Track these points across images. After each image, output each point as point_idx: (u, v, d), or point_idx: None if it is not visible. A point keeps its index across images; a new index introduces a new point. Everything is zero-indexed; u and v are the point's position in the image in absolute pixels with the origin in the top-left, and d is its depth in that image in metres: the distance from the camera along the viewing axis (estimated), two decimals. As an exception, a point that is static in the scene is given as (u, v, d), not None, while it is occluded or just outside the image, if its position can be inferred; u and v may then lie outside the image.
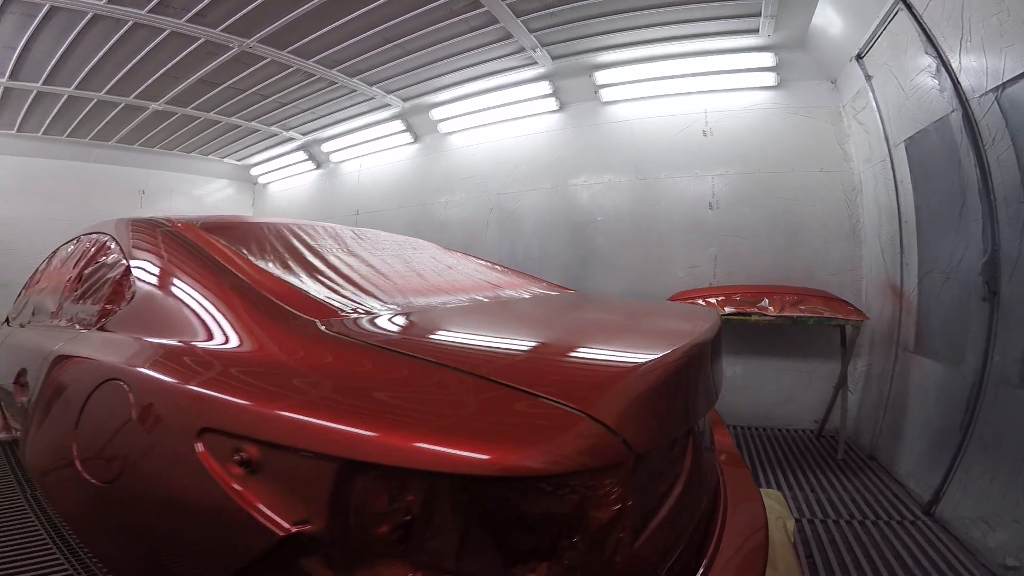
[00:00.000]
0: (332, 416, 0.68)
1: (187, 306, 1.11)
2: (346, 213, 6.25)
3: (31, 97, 4.41)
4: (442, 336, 1.05)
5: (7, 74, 3.89)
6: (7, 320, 2.69)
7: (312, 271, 1.33)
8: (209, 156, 6.61)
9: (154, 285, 1.25)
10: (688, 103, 4.22)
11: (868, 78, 3.18)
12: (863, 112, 3.41)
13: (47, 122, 5.05)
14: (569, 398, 0.65)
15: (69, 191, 5.94)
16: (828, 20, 3.35)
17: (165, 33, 3.46)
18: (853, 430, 3.47)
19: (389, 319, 1.08)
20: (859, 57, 3.21)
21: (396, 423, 0.65)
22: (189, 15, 3.25)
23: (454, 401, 0.69)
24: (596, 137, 4.66)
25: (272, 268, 1.26)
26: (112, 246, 1.56)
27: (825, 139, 3.78)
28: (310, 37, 3.67)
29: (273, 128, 5.69)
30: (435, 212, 5.57)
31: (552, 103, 4.77)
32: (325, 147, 6.19)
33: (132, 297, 1.27)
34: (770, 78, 3.90)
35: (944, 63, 2.34)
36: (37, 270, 2.64)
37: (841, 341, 3.34)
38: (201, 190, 7.07)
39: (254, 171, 7.19)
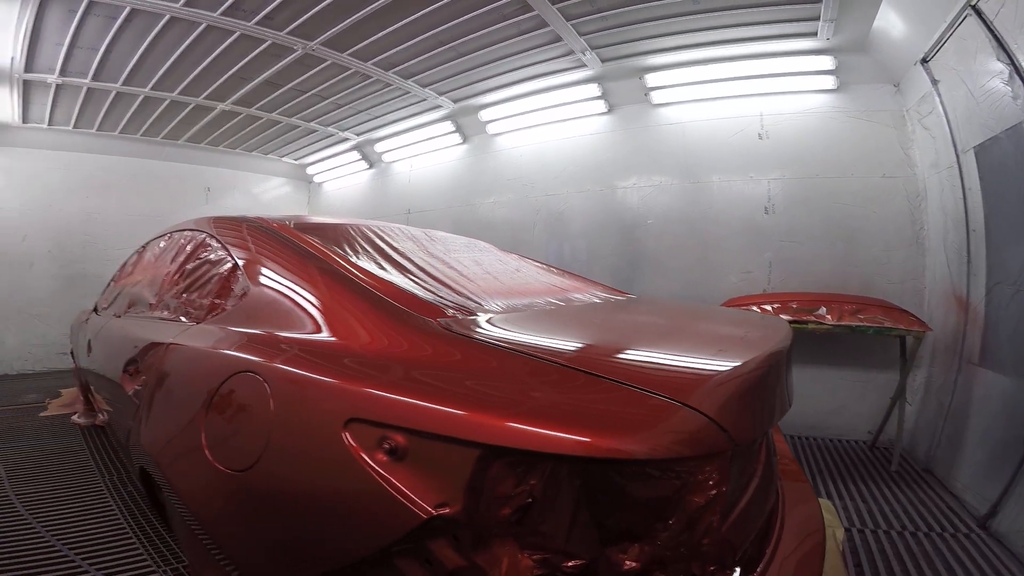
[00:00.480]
0: (474, 407, 0.74)
1: (304, 304, 1.17)
2: (397, 212, 6.44)
3: (111, 97, 4.74)
4: (548, 336, 1.09)
5: (90, 75, 4.20)
6: (95, 309, 2.91)
7: (405, 272, 1.38)
8: (269, 155, 6.93)
9: (267, 283, 1.31)
10: (742, 106, 4.14)
11: (934, 83, 3.06)
12: (928, 117, 3.27)
13: (124, 121, 5.43)
14: (677, 393, 0.70)
15: (143, 187, 6.36)
16: (890, 24, 3.24)
17: (235, 35, 3.67)
18: (909, 442, 3.33)
19: (494, 319, 1.12)
20: (924, 61, 3.09)
21: (527, 413, 0.71)
22: (258, 18, 3.44)
23: (574, 395, 0.75)
24: (646, 139, 4.64)
25: (372, 268, 1.32)
26: (212, 243, 1.64)
27: (887, 144, 3.64)
28: (369, 40, 3.81)
29: (330, 128, 5.92)
30: (482, 212, 5.66)
31: (601, 105, 4.78)
32: (378, 147, 6.40)
33: (244, 294, 1.33)
34: (829, 81, 3.79)
35: (1017, 70, 2.26)
36: (127, 263, 2.82)
37: (900, 352, 3.21)
38: (259, 188, 7.42)
39: (310, 170, 7.49)
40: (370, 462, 0.77)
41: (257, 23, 3.51)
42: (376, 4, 3.31)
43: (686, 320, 1.50)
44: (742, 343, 1.13)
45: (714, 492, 0.67)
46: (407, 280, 1.31)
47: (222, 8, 3.28)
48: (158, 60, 4.03)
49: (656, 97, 4.48)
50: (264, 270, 1.35)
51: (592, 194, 4.92)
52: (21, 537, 2.12)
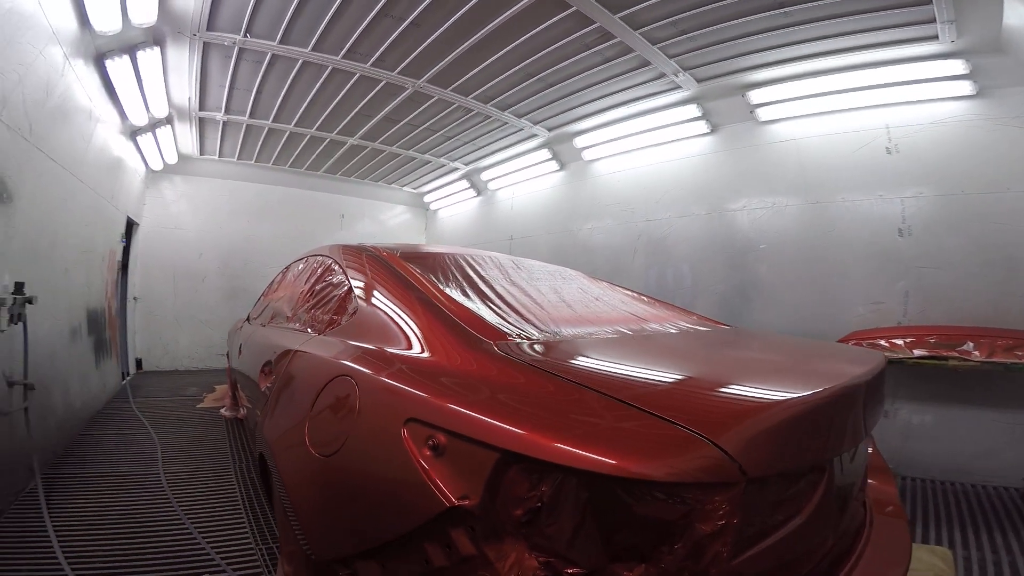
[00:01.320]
0: (499, 416, 0.85)
1: (396, 323, 1.38)
2: (501, 238, 6.69)
3: (264, 132, 5.63)
4: (587, 362, 1.18)
5: (247, 113, 5.03)
6: (248, 318, 3.44)
7: (484, 298, 1.56)
8: (391, 185, 7.67)
9: (372, 303, 1.55)
10: (864, 118, 3.69)
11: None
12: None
13: (275, 154, 6.40)
14: (690, 421, 0.74)
15: (291, 213, 7.39)
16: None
17: (356, 77, 4.18)
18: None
19: (545, 344, 1.25)
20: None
21: (543, 427, 0.80)
22: (372, 60, 3.88)
23: (590, 415, 0.83)
24: (756, 159, 4.33)
25: (456, 295, 1.53)
26: (335, 268, 1.94)
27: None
28: (467, 76, 4.10)
29: (441, 159, 6.40)
30: (581, 238, 5.66)
31: (702, 126, 4.57)
32: (484, 175, 6.75)
33: (355, 312, 1.58)
34: (965, 87, 3.24)
35: None
36: (273, 281, 3.31)
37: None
38: (385, 215, 8.20)
39: (426, 198, 8.13)
40: (417, 455, 0.92)
41: (372, 65, 3.96)
42: (469, 43, 3.57)
43: (760, 351, 1.52)
44: (800, 376, 1.13)
45: (723, 522, 0.68)
46: (483, 306, 1.48)
47: (342, 52, 3.76)
48: (298, 99, 4.71)
49: (763, 114, 4.17)
50: (370, 292, 1.60)
51: (697, 218, 4.67)
52: (157, 506, 2.54)
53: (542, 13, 3.22)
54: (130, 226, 6.00)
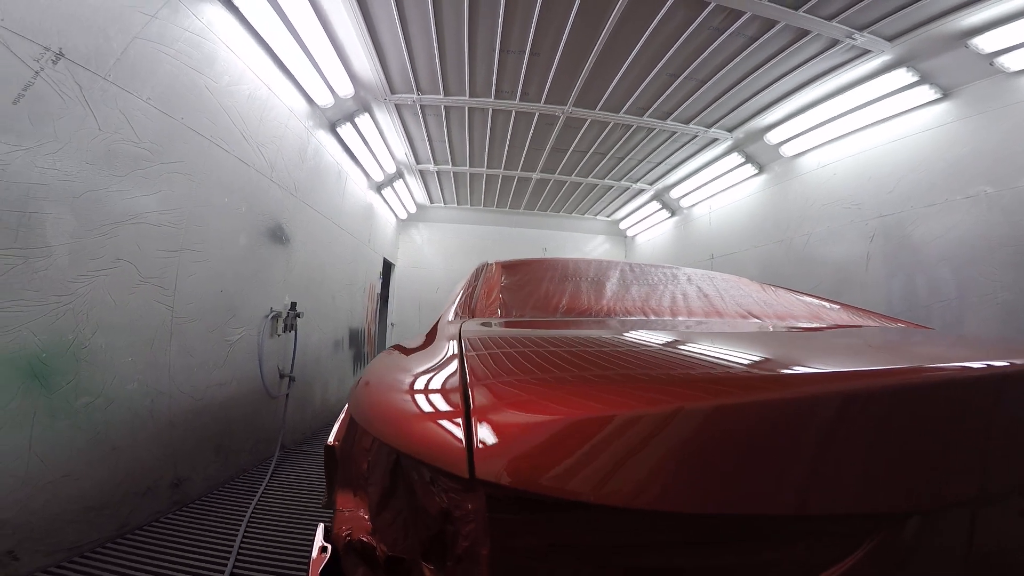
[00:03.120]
0: (369, 372, 1.02)
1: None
2: (701, 257, 6.25)
3: (467, 177, 6.60)
4: (490, 334, 1.17)
5: (449, 161, 6.01)
6: None
7: (521, 290, 1.81)
8: (585, 215, 7.94)
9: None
10: None
11: None
12: None
13: (482, 197, 7.39)
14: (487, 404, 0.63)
15: (503, 249, 8.31)
16: None
17: (513, 114, 4.64)
18: None
19: (501, 323, 1.42)
20: None
21: (378, 389, 0.88)
22: (518, 95, 4.27)
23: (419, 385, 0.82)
24: (1017, 118, 3.13)
25: (503, 297, 1.74)
26: None
27: None
28: (608, 91, 4.12)
29: (623, 182, 6.39)
30: (795, 248, 4.85)
31: (927, 92, 3.53)
32: (673, 193, 6.43)
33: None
34: None
35: None
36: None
37: None
38: (586, 246, 8.49)
39: (622, 225, 8.11)
40: None
41: (520, 100, 4.36)
42: (591, 57, 3.63)
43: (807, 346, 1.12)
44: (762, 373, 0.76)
45: (463, 528, 0.56)
46: (511, 295, 1.78)
47: (492, 93, 4.26)
48: (479, 143, 5.44)
49: (1008, 62, 3.01)
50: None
51: (953, 206, 3.54)
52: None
53: (645, 9, 3.10)
54: (388, 266, 7.72)
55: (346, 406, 1.06)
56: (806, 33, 3.23)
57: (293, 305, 3.87)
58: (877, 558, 0.56)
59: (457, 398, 0.65)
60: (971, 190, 3.39)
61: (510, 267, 2.06)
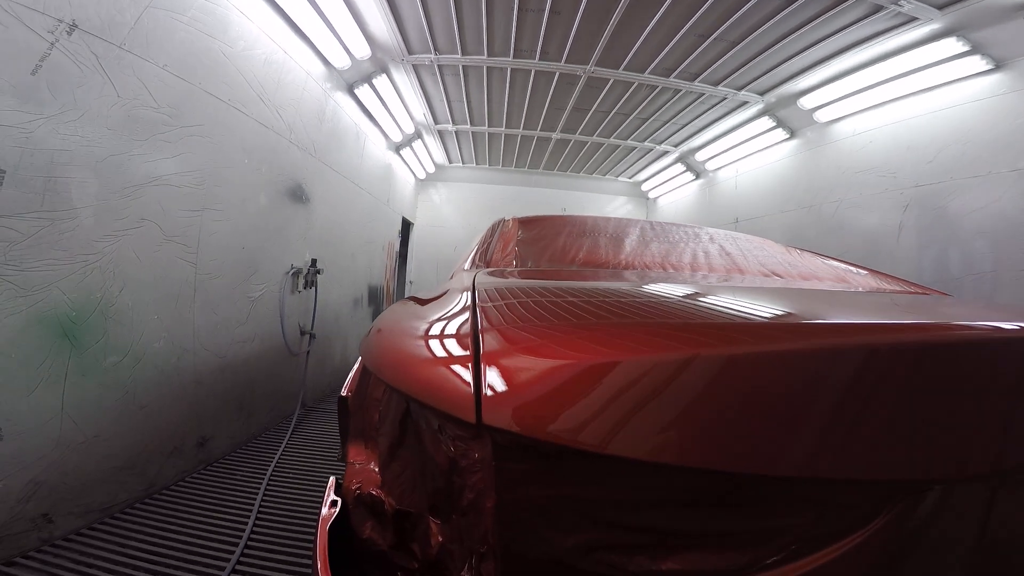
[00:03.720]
0: (387, 314, 1.10)
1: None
2: (725, 220, 6.14)
3: (485, 138, 6.50)
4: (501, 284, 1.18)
5: (468, 121, 5.92)
6: None
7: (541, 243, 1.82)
8: (606, 176, 7.79)
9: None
10: None
11: None
12: None
13: (500, 157, 7.29)
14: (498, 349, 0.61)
15: (522, 209, 8.19)
16: None
17: (532, 73, 4.51)
18: None
19: (517, 273, 1.46)
20: None
21: (391, 333, 0.90)
22: (538, 54, 4.14)
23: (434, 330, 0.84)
24: None
25: (519, 249, 1.76)
26: None
27: None
28: (632, 50, 3.96)
29: (647, 143, 6.22)
30: (824, 215, 4.73)
31: (979, 63, 3.34)
32: (699, 156, 6.25)
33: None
34: None
35: None
36: None
37: None
38: (607, 207, 8.37)
39: (644, 187, 7.95)
40: None
41: (540, 59, 4.23)
42: (615, 15, 3.47)
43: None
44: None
45: (470, 476, 0.56)
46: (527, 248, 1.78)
47: (511, 52, 4.14)
48: (498, 103, 5.32)
49: None
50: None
51: (995, 178, 3.39)
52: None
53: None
54: (407, 225, 7.75)
55: (359, 358, 1.06)
56: (846, -8, 3.03)
57: (313, 262, 3.94)
58: (891, 532, 0.52)
59: (467, 343, 0.64)
60: (1020, 163, 3.23)
61: (527, 222, 2.05)
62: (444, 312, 0.87)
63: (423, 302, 1.06)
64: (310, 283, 3.90)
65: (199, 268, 2.64)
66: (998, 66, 3.28)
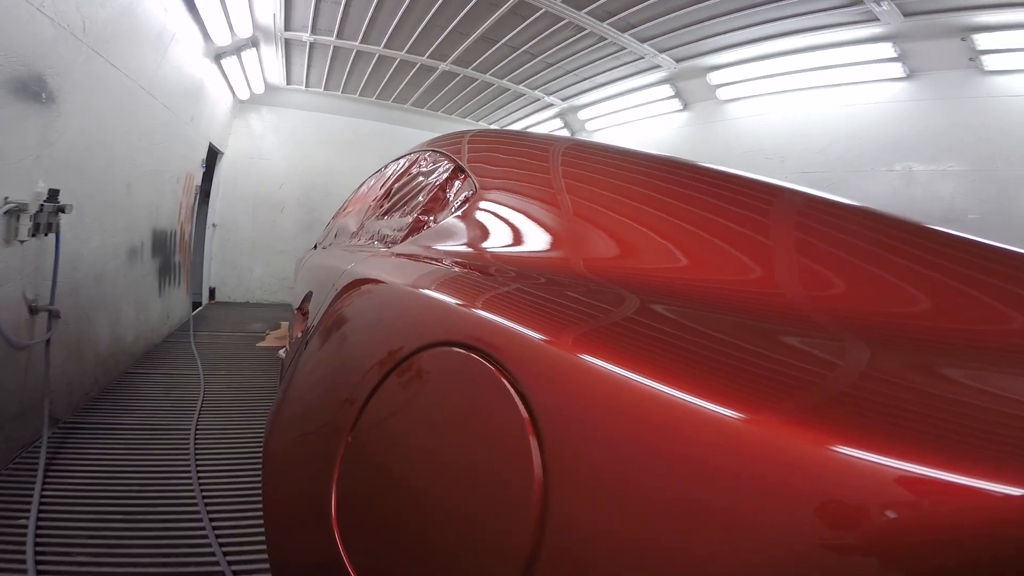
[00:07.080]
0: None
1: None
2: None
3: (352, 56, 5.16)
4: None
5: (335, 32, 4.57)
6: (315, 246, 3.07)
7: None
8: (479, 122, 7.08)
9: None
10: None
11: None
12: None
13: (362, 84, 5.98)
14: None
15: (376, 147, 6.93)
16: None
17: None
18: None
19: None
20: None
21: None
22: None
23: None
24: (974, 112, 3.42)
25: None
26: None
27: None
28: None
29: (536, 92, 5.71)
30: None
31: (896, 69, 3.67)
32: (581, 114, 6.04)
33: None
34: None
35: None
36: (346, 200, 2.91)
37: None
38: (469, 155, 7.69)
39: (514, 139, 7.51)
40: None
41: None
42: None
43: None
44: None
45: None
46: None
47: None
48: (389, 13, 4.17)
49: (989, 62, 3.28)
50: None
51: (875, 175, 3.82)
52: (174, 475, 2.16)
53: None
54: (213, 154, 5.93)
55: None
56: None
57: (52, 194, 2.38)
58: None
59: None
60: (897, 166, 3.69)
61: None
62: None
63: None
64: (46, 228, 2.34)
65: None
66: (909, 76, 3.66)
